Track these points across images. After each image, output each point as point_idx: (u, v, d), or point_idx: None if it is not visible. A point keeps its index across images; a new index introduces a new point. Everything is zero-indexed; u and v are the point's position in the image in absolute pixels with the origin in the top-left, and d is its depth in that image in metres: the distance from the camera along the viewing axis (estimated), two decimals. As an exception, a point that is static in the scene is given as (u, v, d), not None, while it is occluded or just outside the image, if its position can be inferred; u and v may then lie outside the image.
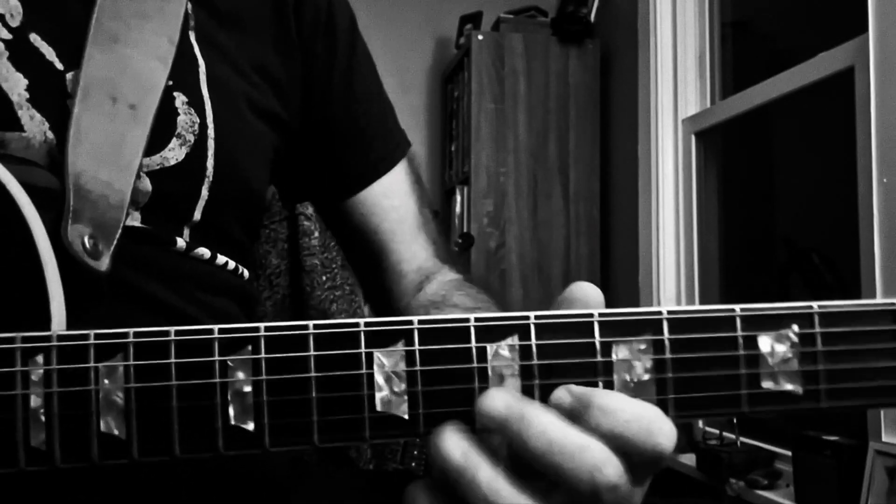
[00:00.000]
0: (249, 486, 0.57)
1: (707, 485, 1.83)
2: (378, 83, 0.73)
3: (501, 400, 0.35)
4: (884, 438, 1.46)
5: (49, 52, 0.51)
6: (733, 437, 1.85)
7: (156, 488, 0.50)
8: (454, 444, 0.35)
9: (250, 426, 0.36)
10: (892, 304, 0.38)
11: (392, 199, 0.70)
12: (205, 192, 0.55)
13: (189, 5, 0.58)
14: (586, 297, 0.39)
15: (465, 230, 2.56)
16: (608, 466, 0.34)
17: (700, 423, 2.14)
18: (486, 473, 0.34)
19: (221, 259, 0.59)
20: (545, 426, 0.34)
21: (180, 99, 0.55)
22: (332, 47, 0.67)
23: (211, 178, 0.55)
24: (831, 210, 2.02)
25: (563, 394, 0.36)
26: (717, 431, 1.91)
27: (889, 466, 1.42)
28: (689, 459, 1.93)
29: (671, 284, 2.28)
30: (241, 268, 0.62)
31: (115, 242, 0.47)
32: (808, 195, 2.24)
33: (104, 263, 0.46)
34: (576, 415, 0.35)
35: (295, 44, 0.65)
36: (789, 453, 1.67)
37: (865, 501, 1.44)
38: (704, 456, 1.84)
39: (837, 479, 1.50)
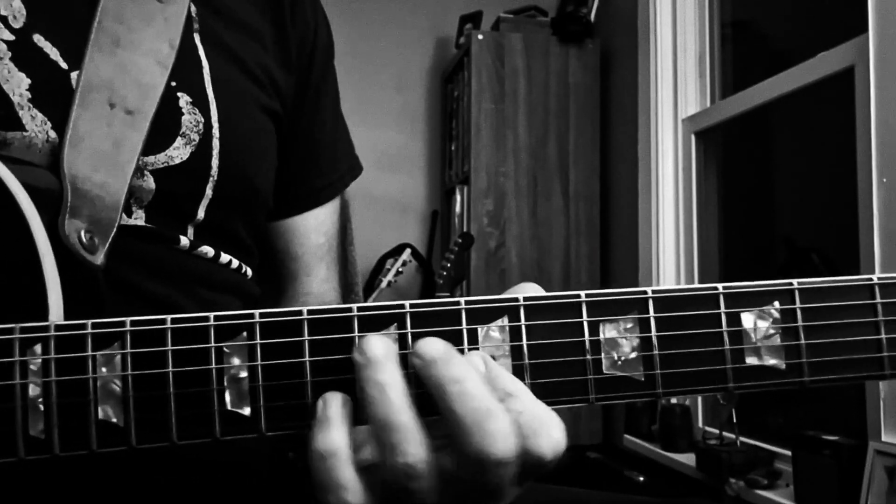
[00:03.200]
0: (247, 486, 0.57)
1: (707, 485, 1.83)
2: (337, 119, 0.75)
3: (438, 342, 0.36)
4: (883, 438, 1.45)
5: (53, 52, 0.51)
6: (733, 436, 1.84)
7: (155, 490, 0.50)
8: (380, 342, 0.36)
9: (246, 411, 0.36)
10: (870, 278, 0.39)
11: (319, 237, 0.72)
12: (209, 192, 0.56)
13: (193, 7, 0.59)
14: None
15: (465, 230, 2.56)
16: (502, 439, 0.34)
17: (700, 423, 2.14)
18: (393, 370, 0.35)
19: (225, 258, 0.59)
20: (466, 376, 0.35)
21: (184, 99, 0.55)
22: (307, 76, 0.68)
23: (215, 178, 0.56)
24: (831, 210, 2.02)
25: (476, 358, 0.36)
26: (716, 431, 1.91)
27: (889, 466, 1.41)
28: (688, 459, 1.93)
29: (671, 284, 2.28)
30: (244, 266, 0.62)
31: (110, 240, 0.47)
32: (808, 195, 2.24)
33: (99, 258, 0.46)
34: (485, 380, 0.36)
35: (293, 58, 0.66)
36: (789, 453, 1.67)
37: (865, 501, 1.43)
38: (704, 456, 1.84)
39: (837, 479, 1.50)
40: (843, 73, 1.69)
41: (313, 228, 0.71)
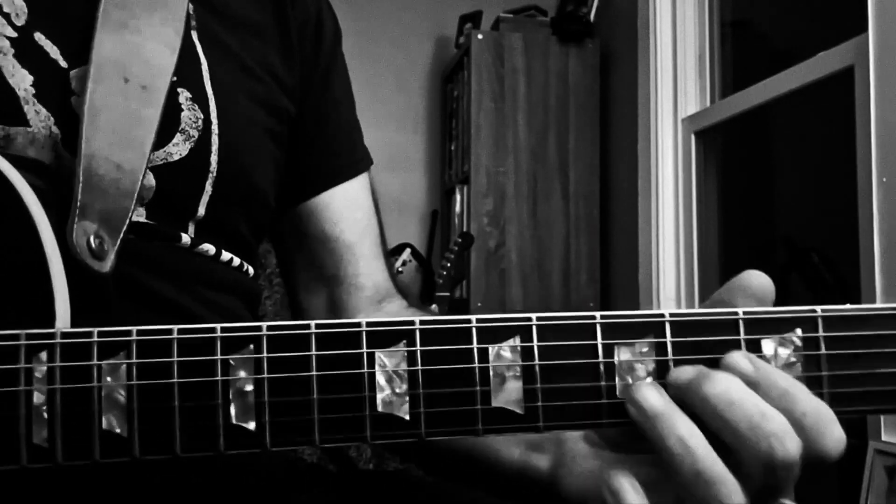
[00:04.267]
0: (248, 486, 0.57)
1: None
2: (351, 100, 0.73)
3: (688, 369, 0.36)
4: (883, 438, 1.46)
5: (53, 51, 0.51)
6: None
7: (154, 490, 0.50)
8: (654, 393, 0.36)
9: (251, 425, 0.36)
10: None
11: (355, 212, 0.69)
12: (209, 188, 0.56)
13: (190, 6, 0.59)
14: (751, 287, 0.39)
15: (464, 230, 2.56)
16: (788, 440, 0.34)
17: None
18: (684, 420, 0.35)
19: (226, 255, 0.59)
20: (728, 386, 0.34)
21: (184, 95, 0.55)
22: (315, 55, 0.68)
23: (215, 175, 0.56)
24: (831, 210, 2.02)
25: (741, 360, 0.36)
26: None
27: (889, 466, 1.42)
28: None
29: (671, 284, 2.28)
30: (245, 264, 0.62)
31: (120, 238, 0.47)
32: (808, 195, 2.24)
33: (108, 264, 0.46)
34: (753, 385, 0.35)
35: (295, 49, 0.66)
36: (789, 452, 1.67)
37: (865, 501, 1.44)
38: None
39: (837, 479, 1.50)
40: (842, 72, 1.69)
41: (345, 206, 0.69)
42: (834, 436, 0.35)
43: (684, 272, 2.27)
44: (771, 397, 0.35)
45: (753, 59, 2.36)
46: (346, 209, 0.69)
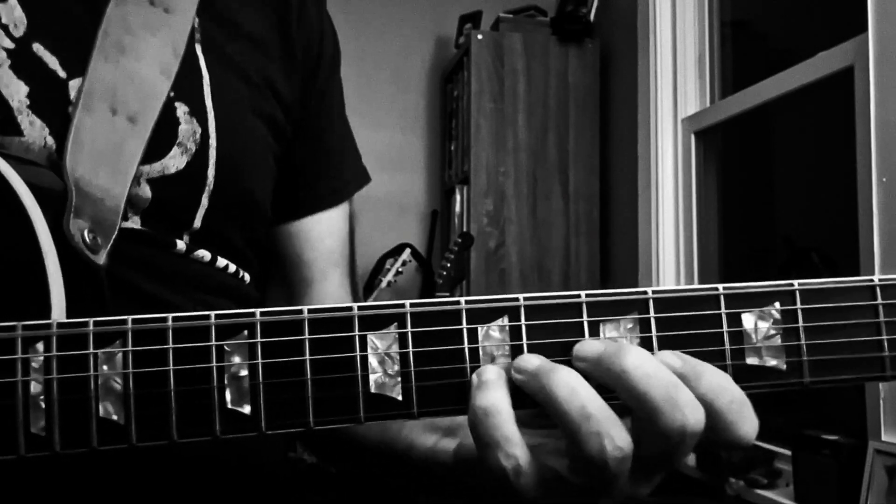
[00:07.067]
0: (248, 485, 0.57)
1: (707, 484, 1.83)
2: (345, 124, 0.74)
3: (597, 342, 0.37)
4: (883, 437, 1.46)
5: (52, 61, 0.51)
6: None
7: (155, 491, 0.50)
8: (534, 357, 0.37)
9: (247, 409, 0.36)
10: (871, 279, 0.39)
11: (333, 240, 0.70)
12: (205, 201, 0.56)
13: (196, 20, 0.59)
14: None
15: (464, 230, 2.56)
16: (698, 411, 0.35)
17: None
18: (567, 371, 0.36)
19: (222, 262, 0.59)
20: (644, 358, 0.36)
21: (182, 109, 0.55)
22: (313, 77, 0.68)
23: (212, 187, 0.56)
24: (831, 210, 2.02)
25: (673, 358, 0.37)
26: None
27: (889, 466, 1.42)
28: (688, 458, 1.93)
29: (671, 284, 2.28)
30: (241, 271, 0.62)
31: (112, 241, 0.48)
32: (808, 195, 2.25)
33: (102, 258, 0.46)
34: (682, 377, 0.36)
35: (298, 66, 0.66)
36: (789, 452, 1.67)
37: (865, 501, 1.44)
38: (704, 455, 1.84)
39: (837, 479, 1.50)
40: (842, 72, 1.69)
41: (326, 233, 0.70)
42: (749, 418, 0.37)
43: (684, 272, 2.27)
44: (687, 371, 0.36)
45: (753, 59, 2.36)
46: (325, 236, 0.70)
